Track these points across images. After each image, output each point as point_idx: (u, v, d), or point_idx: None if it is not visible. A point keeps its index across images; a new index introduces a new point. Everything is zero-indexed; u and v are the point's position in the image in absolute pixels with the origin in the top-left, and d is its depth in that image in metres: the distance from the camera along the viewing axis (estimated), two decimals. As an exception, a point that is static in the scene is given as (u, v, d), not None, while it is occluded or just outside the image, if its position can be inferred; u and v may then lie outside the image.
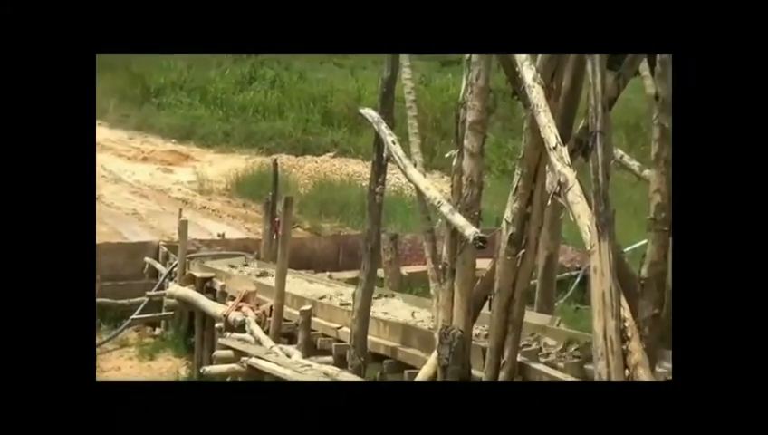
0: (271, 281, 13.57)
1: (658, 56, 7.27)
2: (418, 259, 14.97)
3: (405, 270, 15.83)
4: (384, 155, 9.12)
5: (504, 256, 7.34)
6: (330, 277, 15.09)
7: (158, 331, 16.40)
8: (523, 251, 7.29)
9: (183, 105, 35.67)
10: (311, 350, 10.76)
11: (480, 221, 7.68)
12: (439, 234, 8.42)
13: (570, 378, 7.67)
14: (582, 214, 6.16)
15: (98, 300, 14.04)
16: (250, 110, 34.56)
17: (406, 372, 9.30)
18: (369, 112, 9.23)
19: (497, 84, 20.31)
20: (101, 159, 25.27)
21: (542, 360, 8.19)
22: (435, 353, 7.86)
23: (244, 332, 11.71)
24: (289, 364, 9.86)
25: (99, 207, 18.74)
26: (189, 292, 14.58)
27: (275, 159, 19.30)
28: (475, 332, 8.38)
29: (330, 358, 10.37)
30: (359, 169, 26.93)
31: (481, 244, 7.15)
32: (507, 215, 7.33)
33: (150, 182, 26.95)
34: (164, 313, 15.84)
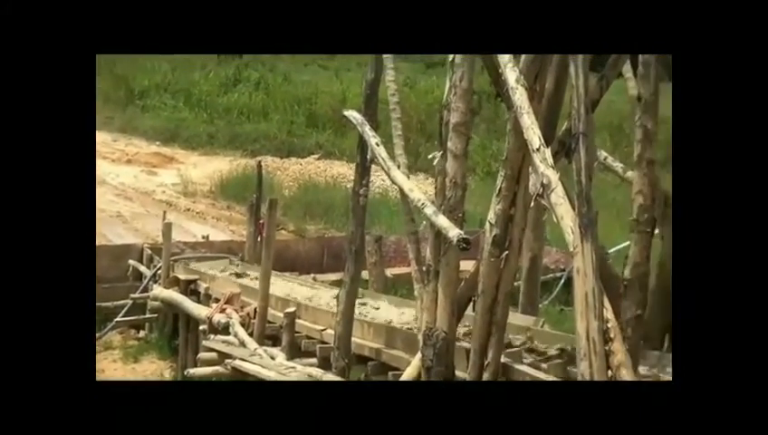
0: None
1: (641, 57, 7.30)
2: (403, 261, 14.98)
3: (389, 272, 15.85)
4: (368, 157, 9.13)
5: (487, 257, 7.35)
6: (314, 279, 15.10)
7: (142, 333, 16.37)
8: (507, 253, 7.30)
9: (167, 107, 35.59)
10: (295, 352, 10.76)
11: (464, 223, 7.69)
12: (423, 236, 8.44)
13: (553, 378, 7.69)
14: (565, 215, 6.19)
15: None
16: (234, 112, 34.51)
17: (390, 373, 9.30)
18: (353, 114, 9.23)
19: (481, 86, 20.31)
20: (85, 161, 25.13)
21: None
22: (419, 355, 7.87)
23: (229, 334, 11.70)
24: (273, 366, 9.86)
25: (83, 209, 18.64)
26: (173, 294, 14.56)
27: (260, 161, 19.27)
28: (462, 330, 8.41)
29: (314, 360, 10.37)
30: (343, 171, 26.92)
31: (465, 245, 7.16)
32: (491, 216, 7.34)
33: (134, 184, 26.89)
34: (148, 315, 15.81)
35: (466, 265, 8.18)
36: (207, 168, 28.67)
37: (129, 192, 25.94)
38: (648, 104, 7.42)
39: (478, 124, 27.54)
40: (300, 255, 18.06)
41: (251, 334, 11.49)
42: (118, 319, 15.73)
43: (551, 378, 7.73)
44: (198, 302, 13.98)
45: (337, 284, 11.44)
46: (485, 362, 7.44)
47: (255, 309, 11.80)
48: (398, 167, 8.80)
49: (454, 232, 7.25)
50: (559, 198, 6.22)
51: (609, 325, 6.04)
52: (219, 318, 12.17)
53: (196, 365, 11.76)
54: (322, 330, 10.89)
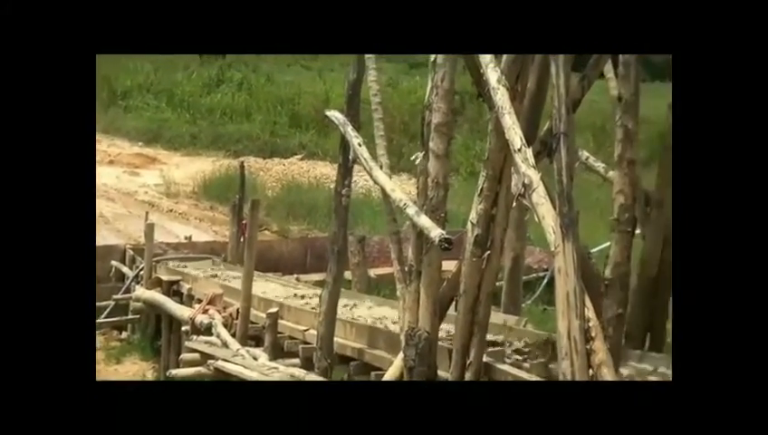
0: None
1: (621, 58, 7.33)
2: (386, 261, 14.95)
3: (373, 272, 15.86)
4: (350, 157, 9.13)
5: (469, 257, 7.36)
6: (297, 280, 15.09)
7: (124, 334, 16.34)
8: (489, 252, 7.31)
9: (150, 108, 35.55)
10: (278, 352, 10.75)
11: (446, 223, 7.69)
12: (406, 236, 8.44)
13: (535, 378, 7.70)
14: (547, 215, 6.20)
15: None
16: (217, 112, 34.50)
17: (372, 373, 9.30)
18: (335, 115, 9.23)
19: (464, 87, 20.38)
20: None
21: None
22: (401, 355, 7.87)
23: (211, 334, 11.69)
24: (256, 367, 9.84)
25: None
26: (156, 295, 14.53)
27: (242, 162, 19.29)
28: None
29: (297, 360, 10.36)
30: (326, 171, 26.93)
31: (446, 245, 7.17)
32: (472, 216, 7.35)
33: (117, 185, 26.81)
34: (130, 316, 15.78)
35: (449, 265, 8.19)
36: (190, 168, 28.63)
37: (112, 193, 25.87)
38: (628, 104, 7.46)
39: (461, 124, 27.63)
40: (283, 255, 18.06)
41: (233, 335, 11.47)
42: (100, 320, 15.68)
43: (533, 377, 7.75)
44: (181, 302, 13.95)
45: (321, 284, 11.44)
46: (468, 362, 7.45)
47: (238, 310, 11.78)
48: (381, 167, 8.80)
49: (436, 232, 7.25)
50: (540, 198, 6.24)
51: (590, 324, 6.05)
52: (202, 319, 12.15)
53: (178, 366, 11.74)
54: (305, 330, 10.88)
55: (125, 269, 16.62)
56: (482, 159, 7.52)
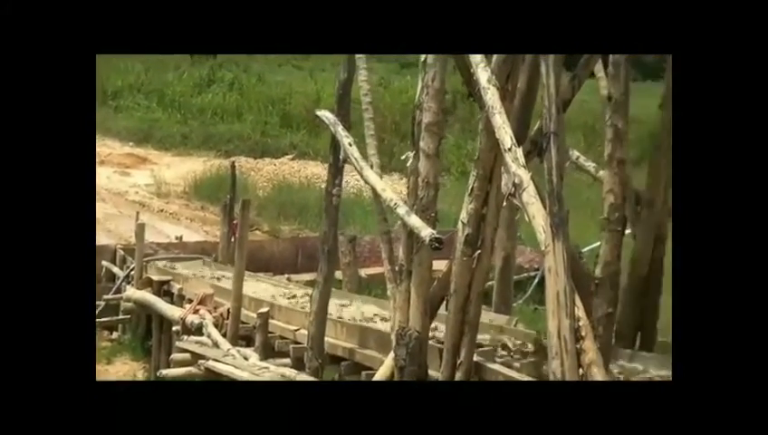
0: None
1: (611, 57, 7.34)
2: (377, 261, 14.92)
3: (364, 272, 15.84)
4: (341, 157, 9.13)
5: (459, 256, 7.36)
6: (288, 280, 15.07)
7: (115, 334, 16.28)
8: (479, 252, 7.32)
9: (140, 108, 35.49)
10: (268, 352, 10.74)
11: (437, 222, 7.70)
12: (397, 235, 8.44)
13: (526, 378, 7.71)
14: (537, 214, 6.20)
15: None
16: (208, 112, 34.46)
17: (363, 373, 9.30)
18: (326, 114, 9.22)
19: (456, 86, 20.39)
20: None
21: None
22: (392, 354, 7.87)
23: (202, 335, 11.67)
24: (246, 367, 9.83)
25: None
26: (146, 295, 14.50)
27: (233, 162, 19.25)
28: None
29: (287, 360, 10.35)
30: (318, 171, 26.90)
31: (437, 245, 7.17)
32: (463, 216, 7.36)
33: (107, 185, 26.74)
34: (121, 316, 15.73)
35: (439, 265, 8.20)
36: (181, 168, 28.58)
37: (102, 193, 25.78)
38: (618, 104, 7.48)
39: (453, 124, 27.63)
40: (274, 255, 18.03)
41: (224, 335, 11.45)
42: (91, 320, 15.64)
43: (523, 376, 7.76)
44: (172, 302, 13.93)
45: (312, 284, 11.44)
46: (458, 361, 7.45)
47: (229, 310, 11.77)
48: (371, 167, 8.80)
49: (426, 232, 7.25)
50: (531, 198, 6.24)
51: (580, 324, 6.06)
52: (192, 319, 12.13)
53: (169, 366, 11.71)
54: (296, 330, 10.87)
55: (116, 269, 16.57)
56: (473, 158, 7.52)
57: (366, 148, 9.16)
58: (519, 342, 8.64)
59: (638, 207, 8.31)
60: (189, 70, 38.73)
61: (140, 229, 15.43)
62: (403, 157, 7.99)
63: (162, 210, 24.28)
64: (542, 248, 6.18)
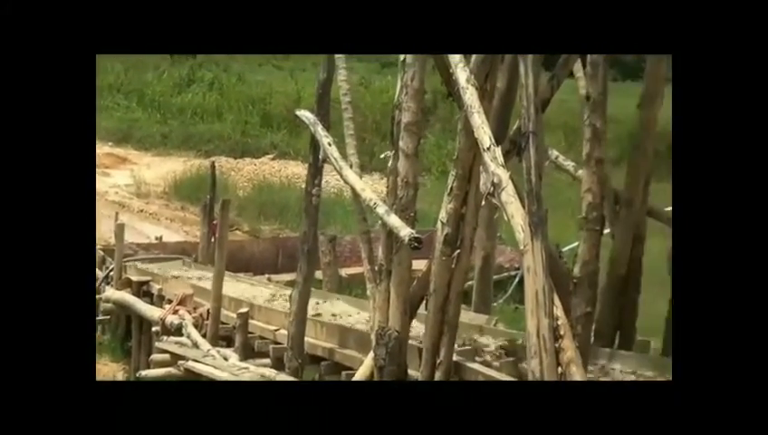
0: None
1: (589, 57, 7.36)
2: (358, 261, 14.91)
3: (344, 272, 15.83)
4: (320, 157, 9.12)
5: (439, 256, 7.37)
6: (269, 280, 15.05)
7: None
8: (459, 251, 7.32)
9: (120, 108, 35.37)
10: (248, 352, 10.72)
11: (416, 222, 7.70)
12: (376, 235, 8.44)
13: (505, 377, 7.73)
14: (516, 214, 6.20)
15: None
16: (188, 112, 34.38)
17: (343, 373, 9.30)
18: (305, 114, 9.21)
19: (436, 86, 20.38)
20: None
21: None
22: (371, 354, 7.87)
23: (182, 335, 11.64)
24: (226, 367, 9.82)
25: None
26: (126, 296, 14.45)
27: (213, 162, 19.23)
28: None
29: (267, 360, 10.34)
30: (298, 171, 26.89)
31: (416, 245, 7.17)
32: (442, 215, 7.36)
33: (87, 185, 26.61)
34: (101, 317, 15.65)
35: (419, 265, 8.20)
36: (161, 168, 28.51)
37: (82, 193, 25.69)
38: (596, 103, 7.50)
39: (434, 123, 27.67)
40: (254, 255, 18.03)
41: (204, 335, 11.43)
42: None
43: (503, 376, 7.77)
44: (151, 303, 13.89)
45: (292, 284, 11.43)
46: (438, 361, 7.46)
47: (208, 310, 11.74)
48: (351, 166, 8.80)
49: (405, 231, 7.25)
50: (509, 197, 6.24)
51: (559, 323, 6.06)
52: (172, 319, 12.10)
53: (149, 367, 11.68)
54: (276, 330, 10.86)
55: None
56: (453, 158, 7.52)
57: (345, 147, 9.15)
58: (499, 343, 8.65)
59: (616, 207, 8.34)
60: (169, 69, 38.62)
61: (120, 230, 15.38)
62: (382, 156, 7.99)
63: (142, 210, 24.22)
64: (521, 248, 6.18)
